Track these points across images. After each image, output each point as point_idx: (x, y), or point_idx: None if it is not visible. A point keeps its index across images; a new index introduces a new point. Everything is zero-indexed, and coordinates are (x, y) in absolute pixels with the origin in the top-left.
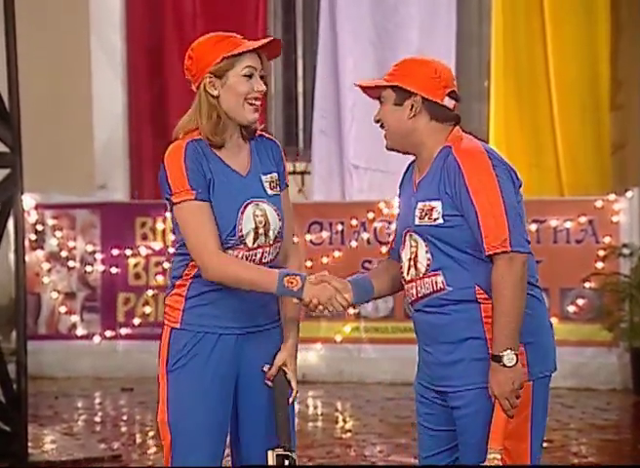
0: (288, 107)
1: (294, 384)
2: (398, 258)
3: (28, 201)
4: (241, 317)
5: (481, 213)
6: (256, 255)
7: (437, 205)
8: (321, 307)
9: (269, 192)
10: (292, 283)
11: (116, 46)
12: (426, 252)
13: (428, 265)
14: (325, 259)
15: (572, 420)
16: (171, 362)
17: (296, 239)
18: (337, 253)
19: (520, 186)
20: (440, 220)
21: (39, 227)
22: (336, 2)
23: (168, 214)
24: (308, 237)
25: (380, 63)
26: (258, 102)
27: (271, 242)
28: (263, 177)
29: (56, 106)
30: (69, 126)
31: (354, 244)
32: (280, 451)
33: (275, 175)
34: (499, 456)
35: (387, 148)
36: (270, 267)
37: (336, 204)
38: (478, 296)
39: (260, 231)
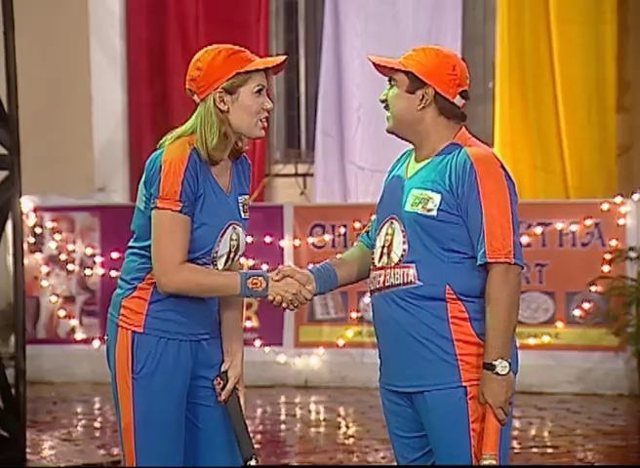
0: (290, 109)
1: (241, 393)
2: (370, 244)
3: (27, 203)
4: (199, 323)
5: (488, 219)
6: None
7: (435, 197)
8: (285, 305)
9: (243, 216)
10: (256, 284)
11: (116, 46)
12: (403, 242)
13: (402, 256)
14: None
15: (578, 426)
16: (136, 367)
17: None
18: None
19: (517, 202)
20: (434, 213)
21: (38, 230)
22: (339, 3)
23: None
24: (311, 240)
25: None
26: (265, 120)
27: (230, 267)
28: (240, 199)
29: (55, 108)
30: (68, 127)
31: None
32: (252, 464)
33: (247, 196)
34: (494, 462)
35: (387, 131)
36: None
37: (338, 206)
38: (447, 296)
39: (231, 255)
